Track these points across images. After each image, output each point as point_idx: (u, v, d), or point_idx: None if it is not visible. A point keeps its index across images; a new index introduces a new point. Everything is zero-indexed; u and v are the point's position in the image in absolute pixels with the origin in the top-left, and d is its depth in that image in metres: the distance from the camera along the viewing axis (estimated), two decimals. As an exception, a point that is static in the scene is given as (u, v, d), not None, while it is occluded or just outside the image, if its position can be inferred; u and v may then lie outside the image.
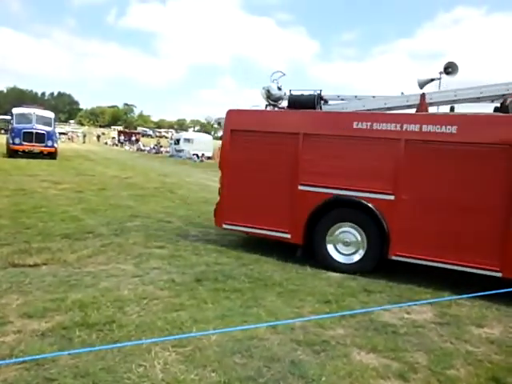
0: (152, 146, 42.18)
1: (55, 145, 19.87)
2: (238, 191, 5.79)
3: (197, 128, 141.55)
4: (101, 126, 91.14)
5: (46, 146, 19.30)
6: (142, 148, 42.71)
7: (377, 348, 3.17)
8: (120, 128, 78.20)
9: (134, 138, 52.29)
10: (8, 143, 19.30)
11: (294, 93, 6.11)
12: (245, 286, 4.35)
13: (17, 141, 18.76)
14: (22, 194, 9.08)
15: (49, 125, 20.08)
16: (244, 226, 5.81)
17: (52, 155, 19.47)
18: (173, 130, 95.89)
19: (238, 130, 5.82)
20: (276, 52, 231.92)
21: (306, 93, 6.08)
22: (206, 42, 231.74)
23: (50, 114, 21.22)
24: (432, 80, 9.36)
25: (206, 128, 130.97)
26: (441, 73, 9.08)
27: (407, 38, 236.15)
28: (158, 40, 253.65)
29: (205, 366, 2.74)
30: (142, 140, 56.01)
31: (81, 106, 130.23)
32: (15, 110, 20.38)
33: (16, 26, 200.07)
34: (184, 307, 3.67)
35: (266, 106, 6.32)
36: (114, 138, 58.27)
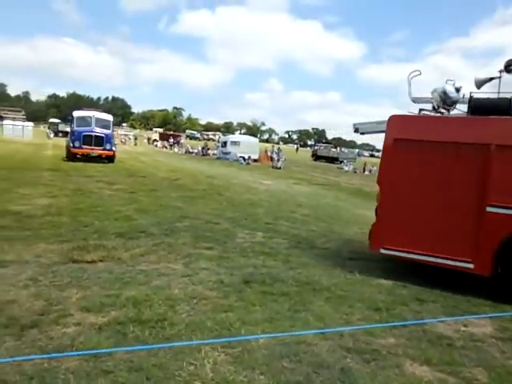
0: (200, 149, 43.05)
1: (113, 148, 19.44)
2: (402, 211, 5.05)
3: (243, 131, 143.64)
4: (151, 130, 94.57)
5: (105, 150, 18.90)
6: (190, 150, 43.70)
7: (431, 361, 3.05)
8: (160, 130, 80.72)
9: (172, 140, 53.80)
10: (68, 146, 19.16)
11: (476, 96, 5.30)
12: (292, 289, 4.33)
13: (77, 144, 18.49)
14: (80, 193, 9.58)
15: (107, 128, 19.70)
16: (408, 252, 4.98)
17: (110, 158, 19.04)
18: (219, 133, 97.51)
19: (404, 140, 5.08)
20: (323, 54, 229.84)
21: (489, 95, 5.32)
22: (253, 46, 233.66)
23: (109, 117, 20.94)
24: (491, 79, 8.86)
25: (252, 131, 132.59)
26: (501, 71, 8.56)
27: (460, 36, 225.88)
28: (206, 45, 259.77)
29: (253, 368, 2.76)
30: (190, 142, 57.37)
31: (133, 110, 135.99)
32: (75, 113, 20.15)
33: (76, 35, 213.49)
34: (232, 308, 3.71)
35: (420, 110, 5.61)
36: (155, 140, 60.42)
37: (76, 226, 6.24)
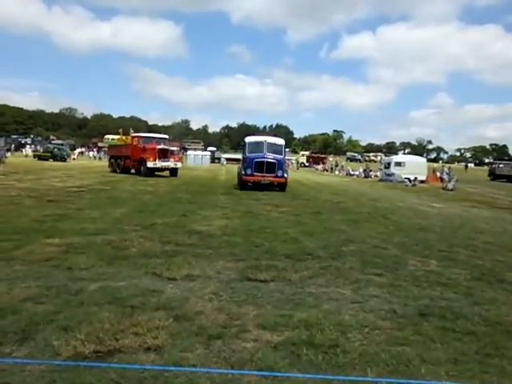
0: (361, 171, 42.40)
1: (285, 175, 18.17)
2: None
3: (407, 150, 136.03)
4: (316, 153, 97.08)
5: (276, 177, 17.78)
6: (351, 173, 43.45)
7: None
8: (307, 153, 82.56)
9: (334, 163, 54.48)
10: (240, 174, 18.62)
11: None
12: (479, 329, 3.79)
13: (248, 171, 17.68)
14: (250, 215, 10.35)
15: (279, 153, 18.57)
16: None
17: (282, 186, 17.87)
18: (381, 154, 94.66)
19: None
20: (504, 60, 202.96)
21: None
22: (417, 61, 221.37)
23: (280, 141, 19.72)
24: None
25: (416, 150, 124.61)
26: None
27: None
28: (366, 66, 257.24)
29: (439, 414, 2.47)
30: (350, 165, 57.11)
31: (295, 136, 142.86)
32: (248, 139, 19.56)
33: (246, 71, 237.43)
34: (408, 342, 3.43)
35: None
36: (302, 163, 63.04)
37: (249, 246, 6.72)
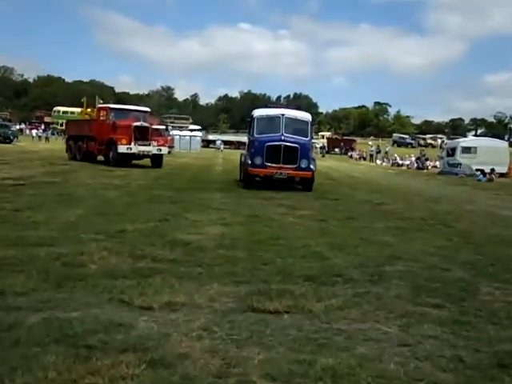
0: (413, 160, 42.40)
1: (312, 166, 17.06)
2: None
3: (480, 131, 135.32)
4: (343, 135, 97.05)
5: (299, 169, 16.69)
6: (399, 162, 43.50)
7: None
8: (328, 134, 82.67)
9: (374, 149, 54.59)
10: (244, 164, 17.56)
11: None
12: None
13: (257, 161, 16.63)
14: (257, 220, 10.40)
15: (303, 133, 17.42)
16: None
17: (307, 184, 17.20)
18: (443, 136, 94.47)
19: None
20: None
21: None
22: (498, 4, 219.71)
23: (305, 116, 18.42)
24: None
25: (495, 130, 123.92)
26: None
27: None
28: (424, 11, 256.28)
29: None
30: (398, 151, 57.09)
31: (320, 110, 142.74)
32: (257, 113, 18.16)
33: (253, 19, 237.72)
34: (481, 404, 3.42)
35: None
36: (322, 148, 63.66)
37: (254, 264, 6.74)
